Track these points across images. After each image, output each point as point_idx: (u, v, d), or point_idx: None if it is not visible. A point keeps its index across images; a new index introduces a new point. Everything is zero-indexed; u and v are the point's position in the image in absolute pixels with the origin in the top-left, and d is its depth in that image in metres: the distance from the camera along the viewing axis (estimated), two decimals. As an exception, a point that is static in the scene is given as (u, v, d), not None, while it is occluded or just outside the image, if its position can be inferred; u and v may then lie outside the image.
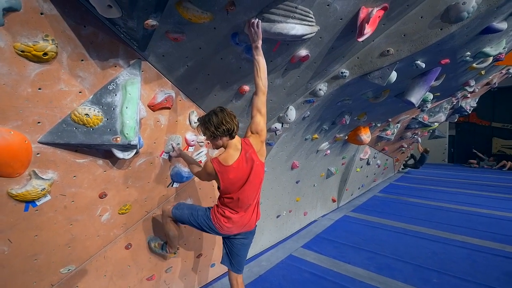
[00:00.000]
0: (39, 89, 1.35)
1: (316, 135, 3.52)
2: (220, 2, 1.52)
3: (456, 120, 7.38)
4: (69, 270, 1.84)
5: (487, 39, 2.28)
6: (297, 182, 4.15)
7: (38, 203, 1.53)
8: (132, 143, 1.62)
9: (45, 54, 1.29)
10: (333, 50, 2.14)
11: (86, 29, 1.42)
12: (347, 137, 4.45)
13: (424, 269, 3.16)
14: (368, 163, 6.39)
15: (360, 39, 1.87)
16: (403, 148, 7.67)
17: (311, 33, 1.82)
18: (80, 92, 1.51)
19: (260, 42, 1.67)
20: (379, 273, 3.05)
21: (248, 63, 1.98)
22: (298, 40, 1.82)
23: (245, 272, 3.04)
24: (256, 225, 1.99)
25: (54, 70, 1.37)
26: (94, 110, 1.54)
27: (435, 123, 5.85)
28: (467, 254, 3.55)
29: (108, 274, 2.09)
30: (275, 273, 3.06)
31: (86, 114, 1.50)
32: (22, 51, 1.23)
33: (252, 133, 1.82)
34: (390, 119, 5.09)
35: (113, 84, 1.61)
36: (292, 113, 2.70)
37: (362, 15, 1.82)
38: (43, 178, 1.49)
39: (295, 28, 1.71)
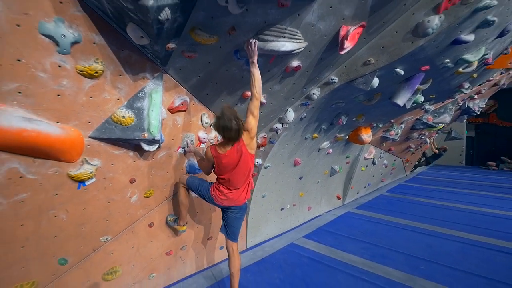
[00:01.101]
0: (91, 97, 1.84)
1: (315, 135, 3.86)
2: (223, 28, 1.96)
3: (464, 120, 7.39)
4: (106, 239, 2.32)
5: (463, 48, 2.55)
6: (300, 178, 4.50)
7: (86, 183, 2.02)
8: (156, 138, 2.09)
9: (96, 72, 1.77)
10: (322, 61, 2.50)
11: (123, 52, 1.89)
12: (348, 137, 4.74)
13: (415, 258, 3.41)
14: (373, 163, 6.59)
15: (342, 52, 2.23)
16: (411, 149, 7.75)
17: (300, 48, 2.20)
18: (118, 99, 1.99)
19: (256, 58, 2.07)
20: (371, 260, 3.34)
21: (248, 73, 2.38)
22: (289, 54, 2.22)
23: (249, 254, 3.46)
24: (245, 203, 2.44)
25: (101, 83, 1.85)
26: (128, 112, 2.01)
27: (440, 124, 5.98)
28: (460, 247, 3.75)
29: (135, 246, 2.57)
30: (277, 257, 3.44)
31: (123, 116, 1.98)
32: (81, 71, 1.72)
33: (244, 130, 2.20)
34: (392, 120, 5.32)
35: (142, 93, 2.09)
36: (290, 115, 3.08)
37: (342, 32, 2.18)
38: (91, 164, 1.98)
39: (285, 45, 2.11)
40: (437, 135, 9.41)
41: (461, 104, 6.38)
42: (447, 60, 2.69)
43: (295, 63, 2.43)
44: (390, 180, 8.99)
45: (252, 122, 2.19)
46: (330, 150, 4.74)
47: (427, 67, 2.68)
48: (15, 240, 1.78)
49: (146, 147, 2.16)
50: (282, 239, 4.03)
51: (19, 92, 1.52)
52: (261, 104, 2.84)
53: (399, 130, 5.89)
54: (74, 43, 1.63)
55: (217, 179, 2.38)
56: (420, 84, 3.18)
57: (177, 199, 2.60)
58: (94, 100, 1.86)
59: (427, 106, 4.42)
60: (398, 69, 2.53)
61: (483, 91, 6.15)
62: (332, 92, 2.87)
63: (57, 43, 1.56)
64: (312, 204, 5.13)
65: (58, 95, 1.68)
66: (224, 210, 2.48)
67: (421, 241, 3.95)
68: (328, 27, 2.16)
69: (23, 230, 1.79)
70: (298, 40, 2.17)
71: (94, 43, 1.73)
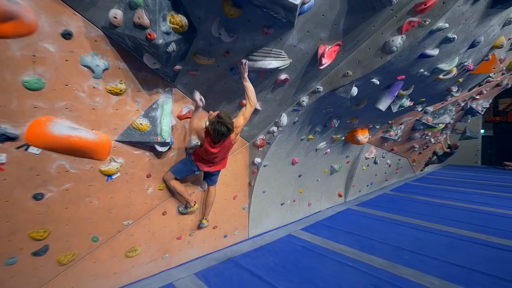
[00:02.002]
0: (116, 110, 2.36)
1: (311, 136, 4.25)
2: (219, 52, 2.42)
3: (468, 120, 7.44)
4: (128, 223, 2.85)
5: (434, 59, 2.86)
6: (299, 176, 4.89)
7: (113, 177, 2.55)
8: (167, 141, 2.59)
9: (120, 90, 2.29)
10: (307, 73, 2.91)
11: (141, 73, 2.40)
12: (344, 138, 5.07)
13: (402, 249, 3.72)
14: (375, 162, 6.83)
15: (321, 67, 2.63)
16: (416, 149, 7.88)
17: (285, 65, 2.63)
18: (137, 110, 2.51)
19: (247, 74, 2.52)
20: (360, 250, 3.69)
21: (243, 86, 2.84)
22: (276, 70, 2.64)
23: (250, 242, 3.91)
24: (219, 170, 3.14)
25: (124, 98, 2.37)
26: (145, 120, 2.52)
27: (440, 124, 6.14)
28: (448, 241, 4.00)
29: (151, 231, 3.09)
30: (274, 245, 3.86)
31: (140, 123, 2.49)
32: (109, 90, 2.24)
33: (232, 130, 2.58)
34: (389, 122, 5.57)
35: (156, 104, 2.59)
36: (284, 119, 3.50)
37: (320, 51, 2.58)
38: (117, 162, 2.50)
39: (271, 63, 2.54)
40: (448, 134, 9.41)
41: (463, 104, 6.49)
42: (422, 69, 3.01)
43: (283, 76, 2.85)
44: (397, 180, 9.11)
45: (241, 122, 2.62)
46: (328, 150, 5.09)
47: (403, 76, 3.01)
48: (61, 219, 2.33)
49: (159, 148, 2.67)
50: (281, 231, 4.45)
51: (66, 108, 2.06)
52: (257, 110, 3.30)
53: (399, 131, 6.12)
54: (105, 69, 2.15)
55: (199, 150, 2.84)
56: (403, 90, 3.51)
57: (175, 191, 3.04)
58: (119, 111, 2.38)
59: (419, 108, 4.67)
60: (374, 79, 2.88)
61: (485, 91, 6.24)
62: (319, 99, 3.26)
63: (93, 71, 2.09)
64: (312, 200, 5.49)
65: (93, 109, 2.21)
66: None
67: (411, 235, 4.23)
68: (308, 46, 2.57)
69: (67, 212, 2.35)
70: (283, 58, 2.59)
71: (119, 68, 2.25)
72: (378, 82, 2.90)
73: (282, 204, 4.75)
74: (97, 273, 2.71)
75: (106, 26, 1.96)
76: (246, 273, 3.08)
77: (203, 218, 3.40)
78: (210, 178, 3.23)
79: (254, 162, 3.94)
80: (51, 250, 2.34)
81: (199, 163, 2.89)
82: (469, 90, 5.77)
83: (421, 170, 10.81)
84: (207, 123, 2.60)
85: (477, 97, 6.42)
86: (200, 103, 2.56)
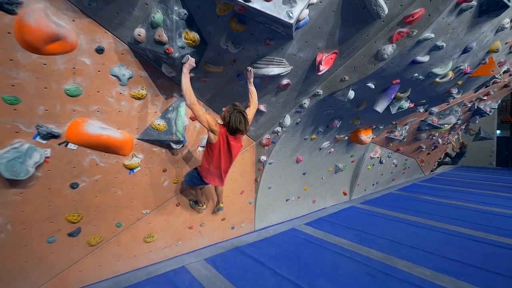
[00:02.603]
0: (138, 112, 2.73)
1: (314, 136, 4.50)
2: (227, 61, 2.74)
3: (476, 121, 7.42)
4: (146, 212, 3.23)
5: (427, 64, 3.06)
6: (304, 174, 5.15)
7: (134, 171, 2.92)
8: (180, 140, 2.93)
9: (142, 95, 2.65)
10: (307, 79, 3.18)
11: (159, 80, 2.75)
12: (347, 138, 5.28)
13: (399, 244, 3.92)
14: (381, 162, 6.97)
15: (319, 73, 2.90)
16: (423, 149, 7.93)
17: (286, 71, 2.91)
18: (155, 112, 2.86)
19: (252, 80, 2.82)
20: (358, 243, 3.92)
21: (248, 90, 3.14)
22: (278, 76, 2.93)
23: (255, 234, 4.22)
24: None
25: (145, 102, 2.73)
26: (162, 121, 2.87)
27: (446, 125, 6.21)
28: (445, 237, 4.16)
29: (166, 220, 3.45)
30: (277, 237, 4.15)
31: (158, 124, 2.85)
32: (133, 95, 2.60)
33: None
34: (393, 122, 5.72)
35: (171, 107, 2.94)
36: (287, 120, 3.78)
37: (318, 58, 2.85)
38: (138, 157, 2.87)
39: (274, 70, 2.83)
40: (460, 135, 9.35)
41: (470, 105, 6.53)
42: (416, 74, 3.21)
43: (285, 81, 3.13)
44: (404, 180, 9.16)
45: (250, 119, 2.79)
46: (332, 150, 5.31)
47: (398, 80, 3.23)
48: (91, 206, 2.72)
49: (174, 146, 3.02)
50: (285, 225, 4.73)
51: (98, 111, 2.44)
52: (262, 112, 3.59)
53: (404, 131, 6.25)
54: (129, 78, 2.51)
55: (205, 166, 2.84)
56: (400, 93, 3.71)
57: (191, 191, 3.40)
58: (140, 114, 2.75)
59: (421, 109, 4.82)
60: (369, 84, 3.12)
61: (492, 92, 6.25)
62: (320, 102, 3.52)
63: (119, 79, 2.45)
64: (316, 197, 5.74)
65: (119, 111, 2.58)
66: None
67: (410, 231, 4.40)
68: (307, 55, 2.84)
69: (96, 200, 2.73)
70: (284, 66, 2.88)
71: (141, 77, 2.61)
72: (373, 86, 3.13)
73: (287, 200, 5.03)
74: (120, 255, 3.09)
75: (131, 42, 2.31)
76: (251, 260, 3.39)
77: (220, 202, 3.67)
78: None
79: (260, 160, 4.24)
80: (83, 232, 2.74)
81: (206, 176, 2.88)
82: (476, 91, 5.83)
83: (432, 171, 10.76)
84: (223, 117, 2.64)
85: (485, 98, 6.44)
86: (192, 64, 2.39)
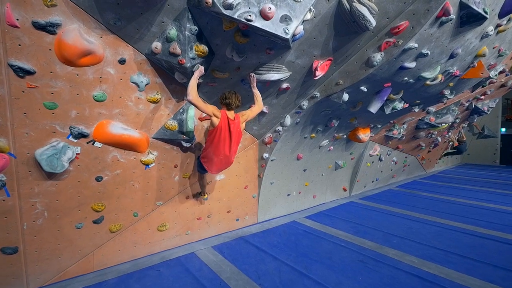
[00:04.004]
0: (153, 114, 3.08)
1: (313, 135, 4.80)
2: (232, 68, 3.06)
3: (475, 120, 7.59)
4: (160, 203, 3.59)
5: (415, 69, 3.33)
6: (304, 170, 5.46)
7: (149, 166, 3.28)
8: (190, 138, 3.27)
9: (157, 100, 2.99)
10: (305, 83, 3.48)
11: (172, 86, 3.09)
12: (346, 136, 5.56)
13: (392, 235, 4.20)
14: (380, 159, 7.22)
15: (315, 78, 3.20)
16: (423, 147, 8.13)
17: (285, 77, 3.22)
18: (168, 114, 3.21)
19: (255, 84, 3.13)
20: (353, 234, 4.22)
21: (251, 93, 3.46)
22: (278, 80, 3.24)
23: (258, 226, 4.55)
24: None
25: (159, 105, 3.08)
26: (174, 122, 3.22)
27: (443, 124, 6.42)
28: (437, 230, 4.42)
29: (177, 211, 3.81)
30: (278, 229, 4.48)
31: (171, 124, 3.19)
32: (149, 100, 2.95)
33: (243, 115, 3.11)
34: (391, 121, 5.97)
35: (182, 109, 3.28)
36: (288, 120, 4.08)
37: (314, 65, 3.15)
38: (152, 154, 3.23)
39: (274, 76, 3.14)
40: (463, 132, 9.50)
41: (467, 104, 6.72)
42: (406, 78, 3.48)
43: (285, 85, 3.44)
44: (405, 177, 9.38)
45: (249, 114, 3.12)
46: (331, 147, 5.60)
47: (389, 84, 3.50)
48: (113, 197, 3.09)
49: (184, 144, 3.37)
50: (286, 218, 5.05)
51: (120, 114, 2.80)
52: (265, 113, 3.91)
53: (402, 130, 6.48)
54: (146, 84, 2.86)
55: (205, 152, 3.12)
56: (393, 94, 3.98)
57: (199, 181, 3.74)
58: (155, 115, 3.10)
59: (416, 109, 5.06)
60: (362, 87, 3.40)
61: (489, 92, 6.43)
62: (317, 103, 3.82)
63: (138, 86, 2.80)
64: (317, 193, 6.04)
65: (137, 114, 2.94)
66: None
67: (404, 224, 4.68)
68: (304, 61, 3.15)
69: (117, 192, 3.10)
70: (283, 71, 3.19)
71: (156, 83, 2.95)
72: (365, 89, 3.41)
73: (288, 195, 5.34)
74: (137, 241, 3.47)
75: (148, 53, 2.65)
76: (253, 248, 3.73)
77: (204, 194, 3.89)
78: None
79: (262, 157, 4.56)
80: (105, 220, 3.11)
81: (208, 163, 3.14)
82: (472, 91, 6.04)
83: (438, 159, 10.73)
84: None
85: (482, 97, 6.62)
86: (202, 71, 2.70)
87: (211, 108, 2.87)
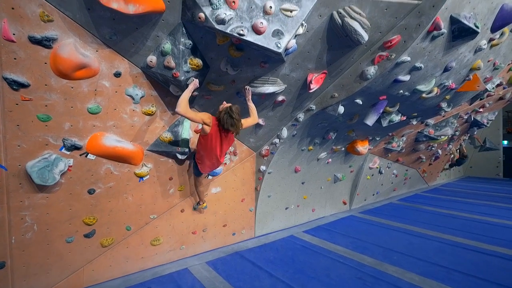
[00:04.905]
0: (148, 126, 3.08)
1: (311, 147, 4.77)
2: (227, 81, 3.09)
3: (475, 133, 7.55)
4: (153, 217, 3.53)
5: (410, 82, 3.34)
6: (302, 183, 5.39)
7: (144, 179, 3.24)
8: (185, 151, 3.26)
9: (152, 112, 3.00)
10: (301, 95, 3.49)
11: (167, 98, 3.11)
12: (344, 149, 5.52)
13: (392, 251, 4.08)
14: (380, 172, 7.13)
15: (310, 91, 3.22)
16: (423, 160, 8.06)
17: (280, 89, 3.24)
18: (163, 126, 3.21)
19: (250, 97, 3.14)
20: (353, 250, 4.10)
21: (247, 106, 3.47)
22: (274, 93, 3.26)
23: (255, 241, 4.44)
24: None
25: (154, 118, 3.08)
26: (169, 134, 3.21)
27: (442, 136, 6.39)
28: (439, 246, 4.29)
29: (171, 224, 3.74)
30: (276, 243, 4.37)
31: (166, 136, 3.19)
32: (144, 112, 2.96)
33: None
34: (390, 133, 5.95)
35: (177, 121, 3.29)
36: (284, 132, 4.08)
37: (309, 78, 3.17)
38: (147, 166, 3.21)
39: (269, 88, 3.16)
40: (464, 145, 9.45)
41: (466, 117, 6.70)
42: (401, 91, 3.49)
43: (280, 97, 3.46)
44: (407, 190, 9.24)
45: (244, 126, 3.03)
46: (330, 160, 5.55)
47: (384, 97, 3.51)
48: (105, 210, 3.04)
49: (179, 156, 3.35)
50: (284, 232, 4.94)
51: (114, 126, 2.80)
52: (261, 125, 3.90)
53: (401, 142, 6.44)
54: (142, 97, 2.88)
55: (199, 154, 3.12)
56: (390, 107, 3.98)
57: (196, 189, 3.66)
58: (150, 128, 3.10)
59: (414, 122, 5.04)
60: (357, 100, 3.41)
61: (487, 105, 6.43)
62: (313, 116, 3.82)
63: (133, 98, 2.82)
64: (316, 206, 5.93)
65: (132, 126, 2.94)
66: None
67: (405, 240, 4.55)
68: (299, 75, 3.17)
69: (110, 204, 3.06)
70: (278, 84, 3.21)
71: (151, 95, 2.97)
72: (361, 102, 3.42)
73: (286, 208, 5.25)
74: (129, 256, 3.38)
75: (144, 67, 2.69)
76: (249, 264, 3.62)
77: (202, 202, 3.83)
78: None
79: (260, 170, 4.52)
80: (97, 234, 3.05)
81: (201, 165, 3.17)
82: (471, 103, 6.04)
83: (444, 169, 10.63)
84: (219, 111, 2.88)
85: (481, 110, 6.61)
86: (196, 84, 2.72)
87: (201, 116, 2.82)
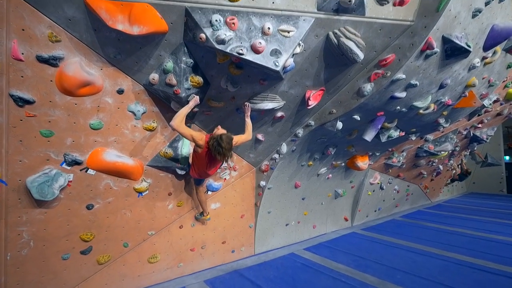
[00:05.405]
0: (148, 141, 3.12)
1: (310, 162, 4.78)
2: (227, 97, 3.16)
3: (475, 148, 7.56)
4: (151, 233, 3.48)
5: (407, 99, 3.40)
6: (303, 199, 5.34)
7: (143, 194, 3.24)
8: (185, 166, 3.27)
9: (153, 128, 3.05)
10: (299, 111, 3.55)
11: (168, 114, 3.16)
12: (345, 164, 5.52)
13: (395, 270, 3.97)
14: (381, 188, 7.07)
15: (308, 107, 3.27)
16: (424, 175, 8.00)
17: (279, 106, 3.30)
18: (163, 142, 3.25)
19: (249, 113, 3.20)
20: (355, 269, 3.99)
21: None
22: (273, 109, 3.32)
23: (255, 258, 4.35)
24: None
25: (155, 133, 3.13)
26: (169, 150, 3.24)
27: (442, 152, 6.39)
28: (444, 264, 4.17)
29: (169, 241, 3.68)
30: (276, 261, 4.27)
31: (166, 152, 3.22)
32: (145, 128, 3.01)
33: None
34: (390, 149, 5.96)
35: (178, 137, 3.33)
36: (284, 148, 4.10)
37: (307, 94, 3.24)
38: (146, 182, 3.21)
39: (268, 105, 3.22)
40: (464, 161, 9.41)
41: (465, 133, 6.74)
42: (398, 107, 3.55)
43: (279, 113, 3.51)
44: (409, 206, 9.10)
45: (237, 143, 3.00)
46: (330, 175, 5.53)
47: (382, 113, 3.56)
48: (103, 225, 3.01)
49: (179, 171, 3.36)
50: (285, 249, 4.83)
51: (115, 141, 2.84)
52: (260, 140, 3.93)
53: (401, 158, 6.44)
54: (143, 113, 2.94)
55: (193, 166, 3.14)
56: (388, 123, 4.03)
57: (198, 199, 3.64)
58: (151, 143, 3.14)
59: (413, 137, 5.07)
60: (355, 116, 3.46)
61: (486, 120, 6.48)
62: (312, 132, 3.86)
63: (135, 114, 2.88)
64: (317, 223, 5.84)
65: (133, 141, 2.98)
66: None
67: (408, 258, 4.44)
68: (297, 91, 3.25)
69: (107, 220, 3.03)
70: (277, 101, 3.28)
71: (153, 111, 3.03)
72: (359, 118, 3.47)
73: (286, 225, 5.17)
74: (126, 274, 3.31)
75: (146, 84, 2.77)
76: (248, 283, 3.53)
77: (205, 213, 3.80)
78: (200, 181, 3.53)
79: (259, 185, 4.50)
80: (94, 250, 3.00)
81: (192, 171, 3.18)
82: (469, 119, 6.09)
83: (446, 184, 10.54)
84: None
85: (479, 125, 6.66)
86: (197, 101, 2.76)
87: (194, 135, 2.74)
